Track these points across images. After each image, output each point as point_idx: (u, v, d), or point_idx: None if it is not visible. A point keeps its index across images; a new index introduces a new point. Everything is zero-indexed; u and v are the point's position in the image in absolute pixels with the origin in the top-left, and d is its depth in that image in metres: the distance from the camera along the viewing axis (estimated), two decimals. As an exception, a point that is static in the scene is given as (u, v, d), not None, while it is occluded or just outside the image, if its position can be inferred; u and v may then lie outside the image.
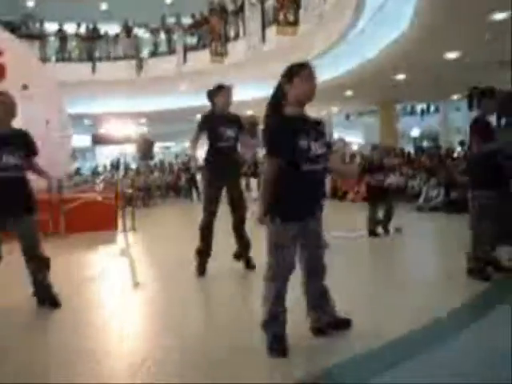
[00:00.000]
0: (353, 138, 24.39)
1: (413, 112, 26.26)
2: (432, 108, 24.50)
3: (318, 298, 2.90)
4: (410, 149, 16.69)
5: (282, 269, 2.69)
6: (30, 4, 15.43)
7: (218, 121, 4.54)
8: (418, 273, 4.62)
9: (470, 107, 4.24)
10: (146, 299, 3.96)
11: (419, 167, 11.59)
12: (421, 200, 9.90)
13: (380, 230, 6.86)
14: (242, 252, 4.72)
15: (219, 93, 4.57)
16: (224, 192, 4.57)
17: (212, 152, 4.57)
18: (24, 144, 3.63)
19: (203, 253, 4.54)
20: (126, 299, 3.96)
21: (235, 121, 4.63)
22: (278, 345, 2.66)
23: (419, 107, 25.53)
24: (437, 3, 7.16)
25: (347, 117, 25.40)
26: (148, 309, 3.76)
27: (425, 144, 22.75)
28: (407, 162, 12.69)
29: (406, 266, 5.19)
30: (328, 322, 2.92)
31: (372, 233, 6.71)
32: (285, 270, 2.69)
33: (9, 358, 2.75)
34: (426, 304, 3.53)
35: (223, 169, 4.49)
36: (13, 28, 13.56)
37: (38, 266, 3.62)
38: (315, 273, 2.86)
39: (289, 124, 2.68)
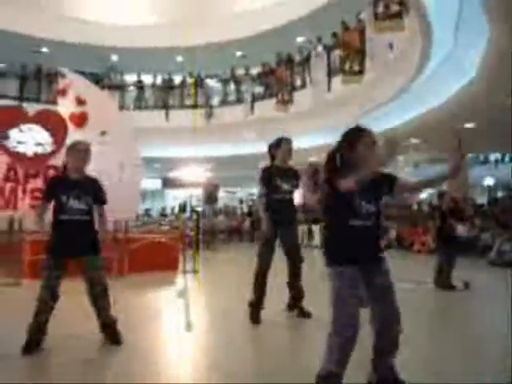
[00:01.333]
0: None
1: (486, 161, 25.21)
2: (507, 157, 23.42)
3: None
4: (483, 199, 15.95)
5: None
6: (114, 58, 16.75)
7: (276, 173, 4.61)
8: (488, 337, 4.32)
9: None
10: (195, 342, 3.99)
11: (492, 219, 11.02)
12: (493, 254, 9.35)
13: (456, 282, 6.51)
14: (295, 302, 4.68)
15: (279, 146, 4.66)
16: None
17: (268, 203, 4.62)
18: (93, 190, 3.84)
19: (256, 305, 4.55)
20: (176, 340, 4.02)
21: (293, 175, 4.69)
22: None
23: (493, 156, 24.47)
24: (504, 50, 7.02)
25: (415, 166, 24.81)
26: (194, 350, 3.77)
27: (499, 195, 21.62)
28: (478, 213, 12.11)
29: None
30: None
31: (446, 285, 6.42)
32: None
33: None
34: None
35: (277, 219, 4.53)
36: (97, 79, 14.81)
37: (103, 303, 3.76)
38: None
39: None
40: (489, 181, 23.85)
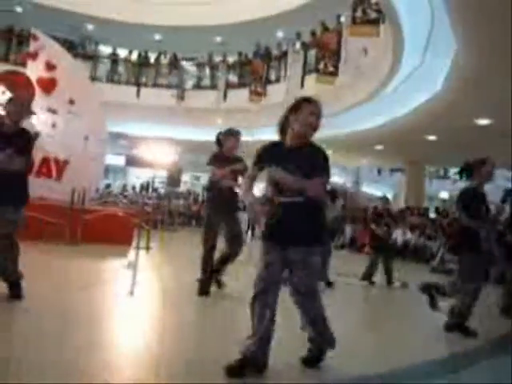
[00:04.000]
0: (378, 193, 24.31)
1: (446, 176, 26.10)
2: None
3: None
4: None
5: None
6: (90, 27, 16.41)
7: (222, 161, 4.81)
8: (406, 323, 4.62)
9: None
10: (133, 309, 4.17)
11: (439, 229, 11.54)
12: (435, 261, 9.80)
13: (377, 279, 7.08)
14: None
15: (228, 136, 4.89)
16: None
17: (211, 190, 4.95)
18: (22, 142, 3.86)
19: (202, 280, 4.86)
20: (115, 307, 4.20)
21: (238, 162, 4.86)
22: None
23: (452, 171, 25.34)
24: (471, 67, 7.35)
25: (379, 172, 25.44)
26: (131, 318, 3.91)
27: (453, 208, 22.47)
28: (428, 223, 12.63)
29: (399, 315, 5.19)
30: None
31: (365, 278, 6.93)
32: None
33: None
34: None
35: (222, 205, 4.79)
36: (70, 47, 14.49)
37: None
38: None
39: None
40: (444, 194, 24.77)
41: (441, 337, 4.26)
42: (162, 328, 3.67)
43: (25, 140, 3.90)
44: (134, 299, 4.39)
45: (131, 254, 7.45)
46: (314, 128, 2.84)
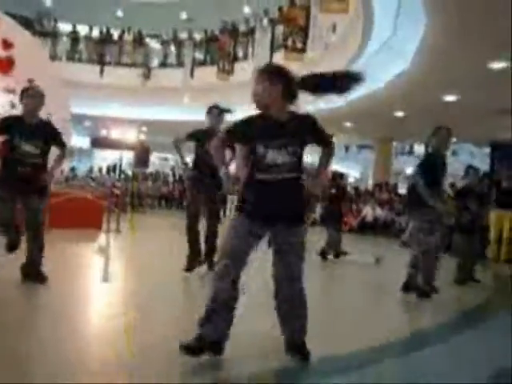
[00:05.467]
0: (349, 171, 24.61)
1: (411, 152, 26.59)
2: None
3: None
4: (404, 187, 16.88)
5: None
6: (48, 2, 15.71)
7: (204, 138, 4.75)
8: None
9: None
10: (108, 293, 4.10)
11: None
12: (405, 235, 9.97)
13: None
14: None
15: (208, 113, 4.98)
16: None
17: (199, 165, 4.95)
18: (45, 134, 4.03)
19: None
20: (89, 292, 4.10)
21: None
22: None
23: (417, 148, 25.84)
24: (439, 44, 7.39)
25: (346, 149, 25.66)
26: (106, 302, 3.81)
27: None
28: (396, 198, 12.85)
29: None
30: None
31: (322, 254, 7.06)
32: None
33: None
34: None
35: (204, 182, 4.85)
36: (27, 23, 13.82)
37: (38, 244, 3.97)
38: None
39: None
40: (410, 171, 25.25)
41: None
42: (140, 314, 3.57)
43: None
44: (108, 286, 4.27)
45: (101, 238, 7.30)
46: (256, 96, 2.65)
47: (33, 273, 3.94)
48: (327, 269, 6.79)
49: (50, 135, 4.00)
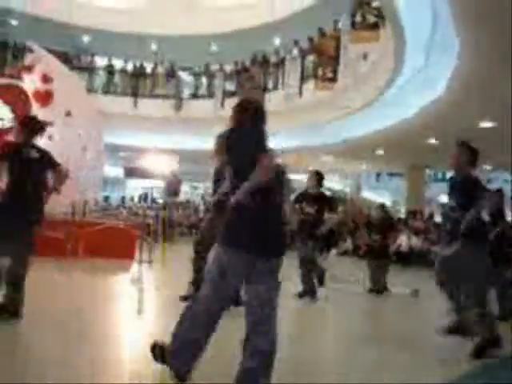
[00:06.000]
0: (380, 199, 24.24)
1: (444, 179, 26.07)
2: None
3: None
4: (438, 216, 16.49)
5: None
6: (86, 39, 16.33)
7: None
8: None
9: None
10: (143, 327, 4.00)
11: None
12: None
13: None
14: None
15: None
16: None
17: None
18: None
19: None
20: (126, 324, 4.02)
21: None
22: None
23: (449, 175, 25.34)
24: (473, 70, 7.29)
25: (378, 176, 25.37)
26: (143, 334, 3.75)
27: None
28: (430, 227, 12.53)
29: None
30: None
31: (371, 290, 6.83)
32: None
33: None
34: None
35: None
36: (66, 59, 14.39)
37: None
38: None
39: None
40: (443, 198, 24.69)
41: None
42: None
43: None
44: (142, 318, 4.21)
45: (134, 268, 7.30)
46: None
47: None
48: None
49: None
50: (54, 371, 2.71)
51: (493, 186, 19.13)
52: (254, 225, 2.41)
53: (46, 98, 9.47)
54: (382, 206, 7.63)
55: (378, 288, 6.84)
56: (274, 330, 2.42)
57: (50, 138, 9.08)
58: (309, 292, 5.77)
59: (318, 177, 6.11)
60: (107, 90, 15.88)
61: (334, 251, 13.95)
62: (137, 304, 4.36)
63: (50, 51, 11.28)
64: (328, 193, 6.52)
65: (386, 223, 7.21)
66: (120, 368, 2.95)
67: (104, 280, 6.26)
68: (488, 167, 15.88)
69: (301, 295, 5.78)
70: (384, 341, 4.07)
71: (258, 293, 2.41)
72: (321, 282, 5.96)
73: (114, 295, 5.34)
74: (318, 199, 5.93)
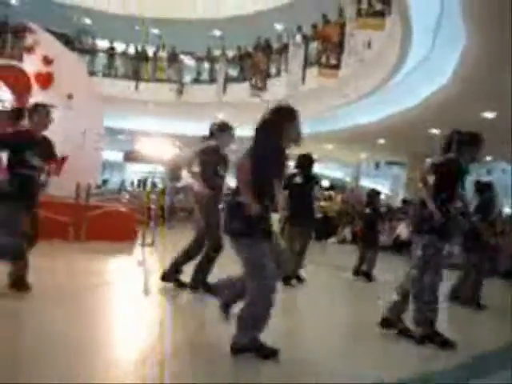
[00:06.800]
0: (379, 188, 24.24)
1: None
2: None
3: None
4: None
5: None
6: (87, 21, 16.17)
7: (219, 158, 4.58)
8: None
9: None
10: (151, 307, 4.07)
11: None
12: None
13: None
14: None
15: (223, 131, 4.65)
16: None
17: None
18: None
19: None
20: (134, 304, 4.10)
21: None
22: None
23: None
24: (478, 61, 7.26)
25: (377, 165, 25.33)
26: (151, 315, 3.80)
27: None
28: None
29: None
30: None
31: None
32: None
33: None
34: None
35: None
36: (67, 41, 14.24)
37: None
38: None
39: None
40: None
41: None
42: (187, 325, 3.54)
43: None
44: (149, 298, 4.29)
45: (138, 250, 7.35)
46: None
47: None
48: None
49: None
50: (62, 350, 2.74)
51: (493, 176, 19.19)
52: None
53: (47, 80, 9.38)
54: (369, 194, 7.44)
55: (358, 271, 6.88)
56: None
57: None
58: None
59: (307, 161, 5.88)
60: (109, 72, 15.78)
61: (332, 239, 14.02)
62: (143, 285, 4.43)
63: (51, 32, 11.15)
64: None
65: (372, 212, 7.19)
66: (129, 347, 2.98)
67: (108, 262, 6.30)
68: (488, 158, 15.88)
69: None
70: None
71: None
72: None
73: (121, 276, 5.38)
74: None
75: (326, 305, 5.03)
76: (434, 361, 3.26)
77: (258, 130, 2.94)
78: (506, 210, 15.13)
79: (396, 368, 3.03)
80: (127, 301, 4.30)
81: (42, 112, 3.98)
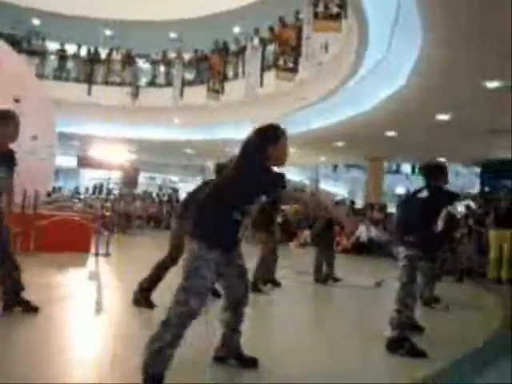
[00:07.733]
0: (337, 190, 24.57)
1: (398, 171, 26.76)
2: (416, 170, 25.02)
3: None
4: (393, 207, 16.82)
5: None
6: (36, 21, 15.52)
7: None
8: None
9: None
10: (105, 325, 3.75)
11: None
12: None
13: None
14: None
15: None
16: None
17: None
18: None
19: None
20: (85, 323, 3.77)
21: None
22: None
23: (404, 167, 26.08)
24: (436, 64, 7.35)
25: (335, 168, 25.67)
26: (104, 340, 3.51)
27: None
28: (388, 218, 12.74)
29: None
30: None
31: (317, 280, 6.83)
32: None
33: None
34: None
35: None
36: (14, 42, 13.60)
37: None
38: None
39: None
40: (401, 190, 25.29)
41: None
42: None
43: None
44: (102, 317, 3.95)
45: (91, 261, 6.99)
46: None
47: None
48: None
49: None
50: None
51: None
52: None
53: (-9, 82, 8.88)
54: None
55: (319, 277, 6.86)
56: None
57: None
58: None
59: None
60: (59, 75, 15.19)
61: (293, 243, 13.97)
62: (95, 302, 4.10)
63: (-3, 33, 10.63)
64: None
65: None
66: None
67: (58, 276, 5.90)
68: (443, 159, 16.30)
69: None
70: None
71: None
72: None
73: (71, 292, 4.99)
74: None
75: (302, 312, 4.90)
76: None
77: (240, 152, 2.86)
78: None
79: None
80: (74, 322, 3.91)
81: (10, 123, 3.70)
